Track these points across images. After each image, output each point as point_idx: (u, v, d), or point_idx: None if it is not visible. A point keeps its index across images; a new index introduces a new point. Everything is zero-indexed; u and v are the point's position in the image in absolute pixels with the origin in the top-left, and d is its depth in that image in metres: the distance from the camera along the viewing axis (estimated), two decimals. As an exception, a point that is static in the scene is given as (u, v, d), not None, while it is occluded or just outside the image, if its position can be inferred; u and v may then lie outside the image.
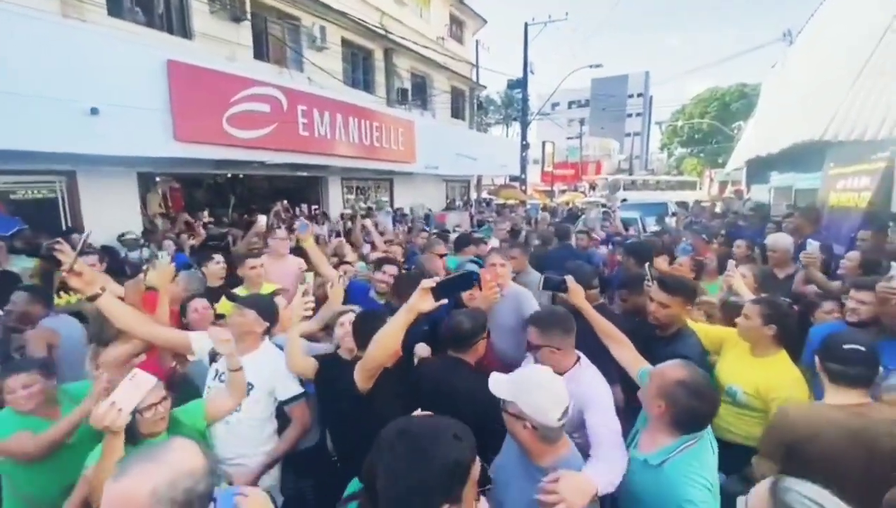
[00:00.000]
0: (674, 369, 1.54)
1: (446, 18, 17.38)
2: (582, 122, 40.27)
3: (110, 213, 7.10)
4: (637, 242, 4.53)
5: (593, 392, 1.78)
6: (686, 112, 40.72)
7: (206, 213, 9.64)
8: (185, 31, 8.68)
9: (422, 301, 1.63)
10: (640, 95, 58.59)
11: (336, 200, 12.39)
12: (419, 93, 16.18)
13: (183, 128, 6.34)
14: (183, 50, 7.67)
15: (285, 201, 10.86)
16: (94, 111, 5.40)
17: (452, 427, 0.98)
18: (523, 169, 19.48)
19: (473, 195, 19.35)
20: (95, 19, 7.11)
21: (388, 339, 1.73)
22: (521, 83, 19.14)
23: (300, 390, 2.21)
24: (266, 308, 2.24)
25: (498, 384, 1.44)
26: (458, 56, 18.10)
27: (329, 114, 8.91)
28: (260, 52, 10.28)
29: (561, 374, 1.75)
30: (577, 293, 2.12)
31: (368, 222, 6.04)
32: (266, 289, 3.29)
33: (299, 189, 12.40)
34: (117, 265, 5.04)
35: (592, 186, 27.35)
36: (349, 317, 2.27)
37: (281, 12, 10.62)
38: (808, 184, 7.71)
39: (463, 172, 16.38)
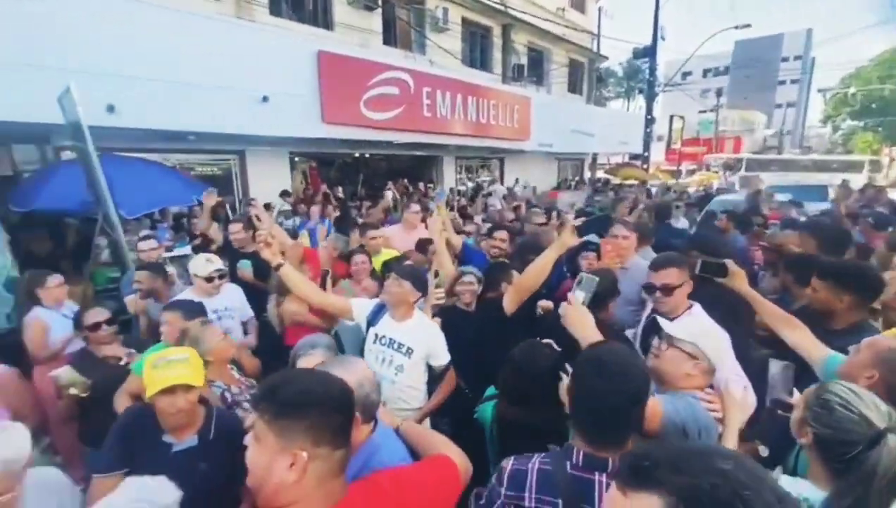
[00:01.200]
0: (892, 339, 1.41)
1: (568, -14, 16.55)
2: (719, 92, 35.38)
3: (269, 186, 8.41)
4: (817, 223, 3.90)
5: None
6: (862, 76, 33.27)
7: (340, 189, 10.86)
8: (328, 23, 9.67)
9: (569, 237, 2.18)
10: (797, 57, 49.23)
11: (450, 178, 12.91)
12: (535, 68, 15.81)
13: (331, 112, 7.20)
14: (326, 41, 8.61)
15: (405, 180, 11.70)
16: (265, 99, 6.42)
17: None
18: (646, 146, 17.94)
19: (588, 175, 18.50)
20: (260, 18, 8.34)
21: (540, 268, 2.24)
22: (650, 51, 17.43)
23: (449, 357, 2.36)
24: (420, 279, 2.35)
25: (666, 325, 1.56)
26: (579, 26, 17.14)
27: (450, 94, 9.28)
28: (388, 37, 11.01)
29: (677, 316, 1.99)
30: (739, 277, 1.99)
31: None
32: (386, 255, 3.66)
33: (415, 168, 13.18)
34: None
35: (729, 166, 24.11)
36: (470, 278, 2.63)
37: (408, -3, 11.20)
38: None
39: (578, 149, 15.76)
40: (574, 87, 17.89)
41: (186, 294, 2.92)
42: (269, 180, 8.48)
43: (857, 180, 17.31)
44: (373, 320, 2.36)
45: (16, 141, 6.06)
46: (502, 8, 13.35)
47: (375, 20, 10.46)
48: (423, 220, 4.28)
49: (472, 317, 2.60)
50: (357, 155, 12.39)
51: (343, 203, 9.05)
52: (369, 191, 11.75)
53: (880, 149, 29.00)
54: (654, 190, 13.32)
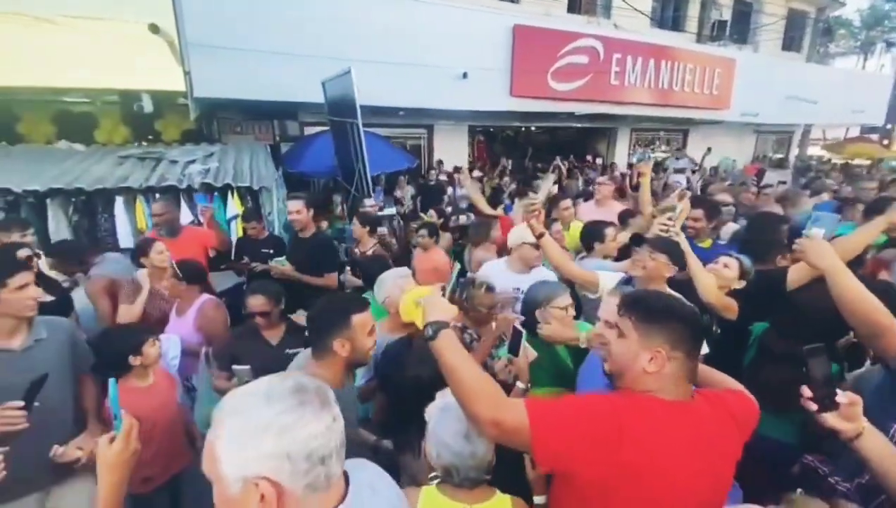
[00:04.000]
0: None
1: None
2: None
3: (451, 158, 9.08)
4: None
5: None
6: None
7: (509, 161, 11.14)
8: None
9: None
10: None
11: (622, 152, 12.07)
12: (741, 23, 13.42)
13: (519, 84, 7.37)
14: (514, 13, 8.69)
15: (571, 156, 11.25)
16: (464, 76, 6.89)
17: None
18: (892, 116, 13.94)
19: (795, 151, 15.27)
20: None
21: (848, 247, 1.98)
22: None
23: None
24: (677, 251, 2.17)
25: None
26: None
27: (641, 59, 8.57)
28: (573, 4, 10.58)
29: None
30: None
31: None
32: (576, 229, 3.58)
33: (580, 141, 12.64)
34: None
35: None
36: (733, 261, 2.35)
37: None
38: None
39: (791, 120, 13.09)
40: (791, 43, 14.70)
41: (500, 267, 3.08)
42: (451, 153, 9.17)
43: None
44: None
45: (276, 117, 7.70)
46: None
47: (561, -14, 10.16)
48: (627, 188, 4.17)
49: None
50: (523, 128, 12.44)
51: (523, 174, 9.32)
52: (536, 164, 11.77)
53: None
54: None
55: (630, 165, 11.67)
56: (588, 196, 4.97)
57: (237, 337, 2.34)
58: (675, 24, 12.31)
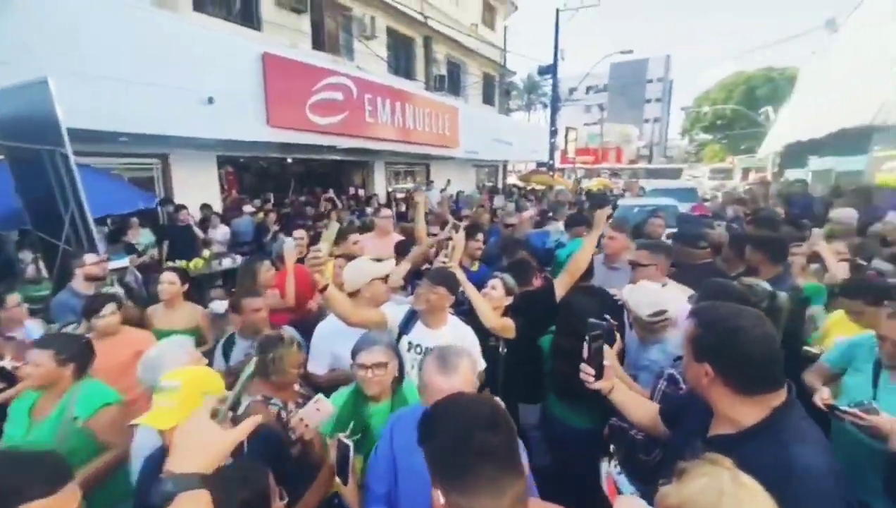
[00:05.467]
0: None
1: (480, 5, 17.67)
2: (601, 107, 40.14)
3: (194, 191, 7.76)
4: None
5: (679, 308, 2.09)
6: (710, 97, 40.39)
7: (271, 195, 10.35)
8: (255, 22, 9.24)
9: (602, 223, 2.68)
10: (659, 79, 57.81)
11: (381, 183, 13.01)
12: (454, 79, 16.61)
13: (276, 115, 6.96)
14: (255, 40, 8.20)
15: (331, 190, 11.28)
16: (210, 101, 6.03)
17: None
18: (552, 154, 19.85)
19: (503, 180, 19.82)
20: (184, 12, 7.72)
21: (589, 252, 2.58)
22: (551, 69, 19.37)
23: (485, 365, 2.28)
24: (453, 282, 2.23)
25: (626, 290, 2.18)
26: (490, 42, 18.40)
27: (389, 101, 9.47)
28: (317, 40, 10.81)
29: None
30: None
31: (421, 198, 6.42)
32: None
33: (338, 172, 13.04)
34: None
35: (615, 173, 27.63)
36: (498, 281, 2.49)
37: (336, 3, 11.11)
38: (849, 167, 8.11)
39: (496, 157, 16.87)
40: (488, 98, 19.09)
41: None
42: (193, 185, 7.85)
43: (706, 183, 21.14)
44: (405, 327, 2.24)
45: None
46: (423, 20, 13.86)
47: (304, 22, 10.23)
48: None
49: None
50: (289, 160, 11.89)
51: (286, 208, 8.76)
52: (299, 197, 11.35)
53: (725, 157, 35.39)
54: (566, 193, 14.85)
55: (388, 194, 12.72)
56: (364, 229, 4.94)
57: None
58: (408, 74, 14.20)
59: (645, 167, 29.84)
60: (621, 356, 2.11)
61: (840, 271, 2.96)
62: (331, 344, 2.29)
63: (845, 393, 1.81)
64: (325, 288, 2.04)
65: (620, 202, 10.15)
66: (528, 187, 17.80)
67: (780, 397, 1.07)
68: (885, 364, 1.74)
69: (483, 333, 2.32)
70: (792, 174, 12.06)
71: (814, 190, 9.39)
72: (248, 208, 8.12)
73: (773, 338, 1.09)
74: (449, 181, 12.38)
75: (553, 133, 20.15)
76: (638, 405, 1.53)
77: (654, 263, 2.55)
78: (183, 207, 6.47)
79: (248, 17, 9.18)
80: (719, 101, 37.93)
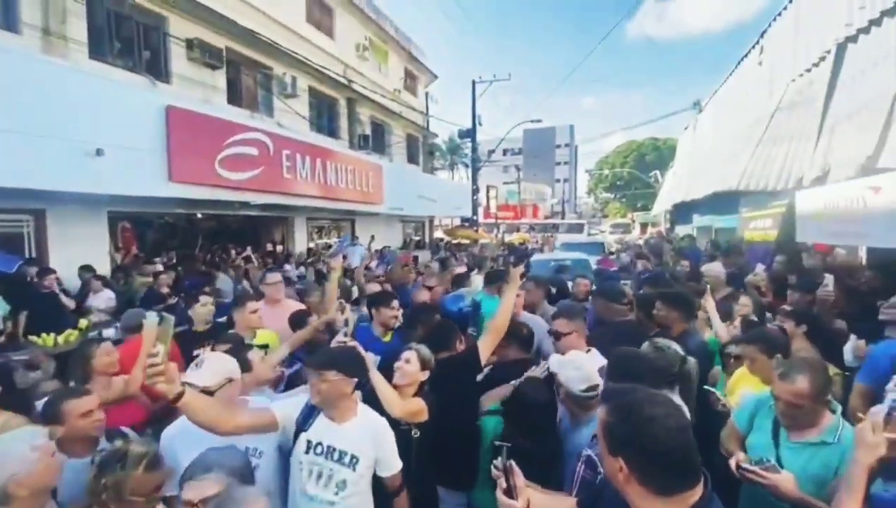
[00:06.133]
0: None
1: (402, 73, 18.66)
2: (518, 167, 43.42)
3: (79, 252, 6.80)
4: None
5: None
6: (609, 161, 45.66)
7: (173, 254, 9.41)
8: (164, 74, 8.79)
9: (518, 278, 2.64)
10: (566, 145, 64.46)
11: (301, 239, 12.50)
12: (378, 139, 17.00)
13: (180, 170, 6.46)
14: (162, 94, 7.77)
15: (249, 248, 10.49)
16: (99, 152, 5.43)
17: None
18: (475, 211, 20.72)
19: (429, 235, 20.13)
20: (77, 59, 7.12)
21: (509, 309, 2.53)
22: (471, 133, 20.73)
23: (401, 464, 1.91)
24: (350, 361, 1.84)
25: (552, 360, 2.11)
26: (413, 106, 19.33)
27: (309, 158, 9.32)
28: (234, 96, 10.53)
29: None
30: None
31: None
32: (262, 339, 2.96)
33: (256, 228, 12.37)
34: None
35: (532, 227, 29.48)
36: (412, 354, 2.21)
37: (255, 62, 11.03)
38: (725, 224, 9.34)
39: (422, 212, 17.17)
40: (412, 158, 19.72)
41: None
42: (77, 243, 6.89)
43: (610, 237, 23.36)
44: (303, 423, 1.81)
45: None
46: (346, 83, 14.24)
47: (219, 78, 9.95)
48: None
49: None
50: (199, 215, 11.01)
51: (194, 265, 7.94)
52: (208, 255, 10.46)
53: (626, 213, 39.54)
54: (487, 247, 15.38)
55: (309, 249, 12.19)
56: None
57: None
58: (332, 132, 14.27)
59: (553, 222, 32.32)
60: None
61: (721, 329, 3.05)
62: (180, 455, 1.72)
63: (749, 451, 1.84)
64: (178, 397, 1.52)
65: (535, 258, 10.21)
66: (455, 242, 18.23)
67: (696, 493, 1.01)
68: (782, 423, 1.78)
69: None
70: (681, 230, 13.73)
71: (700, 244, 10.69)
72: (151, 269, 7.22)
73: (687, 428, 1.04)
74: (373, 237, 12.20)
75: (475, 191, 21.21)
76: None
77: (574, 329, 2.54)
78: (50, 270, 5.56)
79: (156, 69, 8.72)
80: (616, 164, 43.08)
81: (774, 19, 8.07)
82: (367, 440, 1.80)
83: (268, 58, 11.21)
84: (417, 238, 18.95)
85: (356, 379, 1.81)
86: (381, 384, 2.03)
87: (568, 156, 64.09)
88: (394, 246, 15.60)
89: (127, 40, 8.39)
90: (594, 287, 4.46)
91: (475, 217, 20.85)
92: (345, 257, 10.31)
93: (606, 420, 1.09)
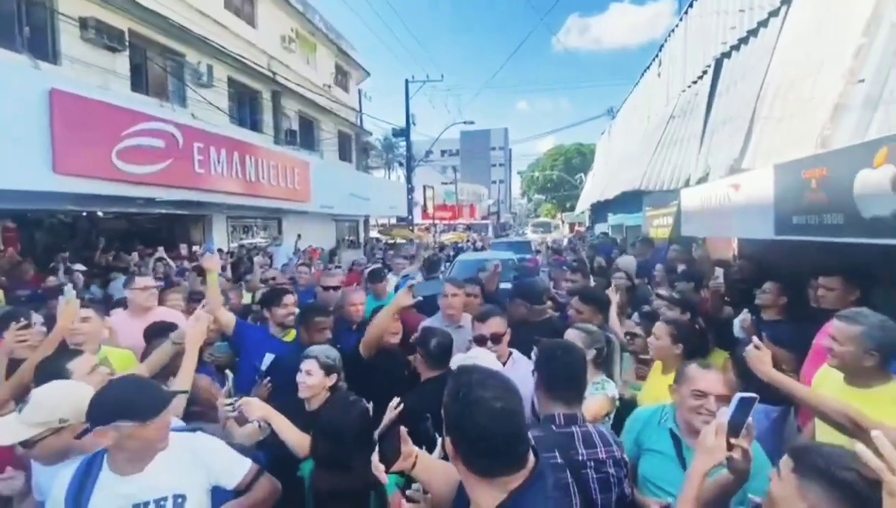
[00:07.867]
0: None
1: (332, 68, 18.21)
2: (455, 168, 44.08)
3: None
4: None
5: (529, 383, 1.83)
6: (540, 164, 47.77)
7: (66, 256, 8.42)
8: (51, 55, 7.89)
9: (406, 298, 2.34)
10: (501, 148, 66.46)
11: (220, 238, 11.78)
12: (307, 134, 16.46)
13: (65, 161, 5.84)
14: (49, 75, 6.98)
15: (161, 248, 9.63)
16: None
17: None
18: (410, 210, 20.74)
19: (364, 234, 19.83)
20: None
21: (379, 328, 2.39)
22: (405, 133, 20.72)
23: (249, 462, 1.61)
24: (153, 400, 1.38)
25: (456, 360, 1.99)
26: (344, 103, 18.94)
27: (226, 152, 8.83)
28: (138, 82, 9.69)
29: (503, 364, 2.14)
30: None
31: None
32: (104, 354, 2.34)
33: (170, 228, 11.47)
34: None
35: (468, 227, 30.13)
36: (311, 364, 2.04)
37: (164, 47, 10.24)
38: (633, 222, 10.16)
39: (355, 212, 16.87)
40: (344, 155, 19.32)
41: None
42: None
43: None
44: (78, 493, 1.33)
45: None
46: (270, 75, 13.64)
47: (121, 62, 9.10)
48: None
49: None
50: (85, 214, 9.96)
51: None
52: (111, 256, 9.50)
53: (556, 214, 41.59)
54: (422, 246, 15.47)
55: (223, 251, 11.48)
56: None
57: None
58: (254, 126, 13.59)
59: (480, 223, 33.30)
60: None
61: (614, 321, 3.14)
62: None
63: (650, 482, 1.64)
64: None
65: (460, 257, 10.02)
66: (391, 241, 18.12)
67: (518, 479, 1.00)
68: (683, 431, 1.59)
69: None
70: (599, 228, 14.76)
71: (616, 240, 11.58)
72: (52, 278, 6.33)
73: (517, 414, 1.02)
74: (299, 236, 11.81)
75: (410, 190, 21.22)
76: (441, 472, 1.36)
77: (507, 329, 2.37)
78: None
79: (41, 49, 7.80)
80: (546, 167, 45.17)
81: (669, 35, 8.96)
82: (186, 469, 1.46)
83: (179, 44, 10.45)
84: (352, 238, 18.60)
85: (145, 423, 1.33)
86: (283, 427, 1.79)
87: (503, 158, 66.16)
88: (326, 246, 15.20)
89: (6, 16, 7.44)
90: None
91: (410, 217, 20.87)
92: (271, 257, 10.01)
93: (444, 401, 1.08)
